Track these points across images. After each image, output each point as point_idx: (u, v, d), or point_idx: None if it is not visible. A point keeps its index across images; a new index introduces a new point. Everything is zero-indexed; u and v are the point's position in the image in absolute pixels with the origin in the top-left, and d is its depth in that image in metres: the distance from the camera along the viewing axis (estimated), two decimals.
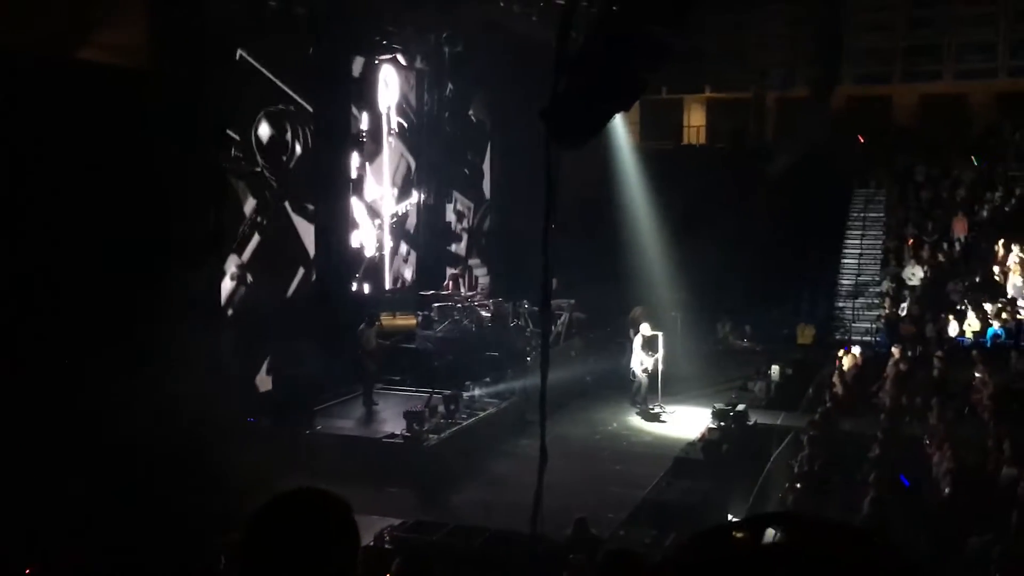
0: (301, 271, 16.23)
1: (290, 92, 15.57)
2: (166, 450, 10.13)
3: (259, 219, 15.14)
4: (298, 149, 15.86)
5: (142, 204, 11.61)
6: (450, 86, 20.56)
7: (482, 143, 22.81)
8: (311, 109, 16.03)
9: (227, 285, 14.42)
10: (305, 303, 15.93)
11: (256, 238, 15.09)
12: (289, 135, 15.65)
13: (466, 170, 22.36)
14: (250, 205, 14.97)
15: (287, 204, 15.84)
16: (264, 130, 15.14)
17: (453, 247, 21.71)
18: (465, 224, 22.67)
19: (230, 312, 14.51)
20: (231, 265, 14.57)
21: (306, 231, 16.34)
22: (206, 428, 10.95)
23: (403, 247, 20.20)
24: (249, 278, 14.87)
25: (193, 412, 10.66)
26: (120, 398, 9.85)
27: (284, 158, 15.65)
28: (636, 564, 2.56)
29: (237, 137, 14.50)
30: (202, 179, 12.74)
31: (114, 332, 10.86)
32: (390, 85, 19.29)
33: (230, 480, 9.78)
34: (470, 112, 21.94)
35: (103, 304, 10.98)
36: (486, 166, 23.30)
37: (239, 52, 14.22)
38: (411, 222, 20.44)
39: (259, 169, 15.05)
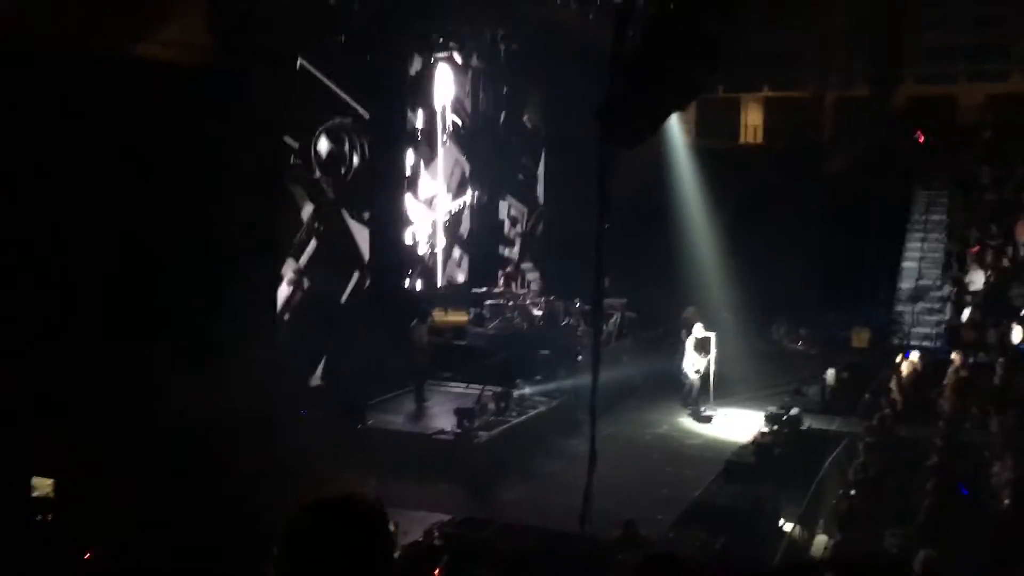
0: (356, 274, 16.34)
1: (348, 99, 15.63)
2: (218, 446, 10.31)
3: (316, 225, 15.29)
4: (355, 160, 15.94)
5: (198, 201, 11.82)
6: (505, 87, 20.60)
7: (537, 148, 22.82)
8: (368, 116, 16.07)
9: (284, 290, 14.57)
10: (360, 305, 16.07)
11: (313, 243, 15.24)
12: (347, 147, 15.75)
13: (520, 175, 22.42)
14: (307, 210, 15.12)
15: (344, 211, 15.97)
16: (323, 145, 15.29)
17: (505, 251, 21.72)
18: (519, 229, 22.70)
19: (287, 316, 14.64)
20: (288, 270, 14.71)
21: (361, 235, 16.43)
22: (260, 423, 11.13)
23: (456, 247, 20.30)
24: (306, 283, 15.02)
25: (248, 408, 10.82)
26: (175, 395, 10.03)
27: (343, 170, 15.77)
28: (676, 569, 2.52)
29: (296, 145, 14.64)
30: (258, 179, 12.89)
31: (172, 328, 11.07)
32: (446, 84, 19.38)
33: (282, 474, 9.93)
34: (524, 118, 21.98)
35: (161, 299, 11.22)
36: (540, 171, 23.30)
37: (299, 61, 14.36)
38: (464, 222, 20.52)
39: (317, 178, 15.22)
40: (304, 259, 15.11)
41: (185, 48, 11.92)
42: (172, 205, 11.42)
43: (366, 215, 16.40)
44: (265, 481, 10.06)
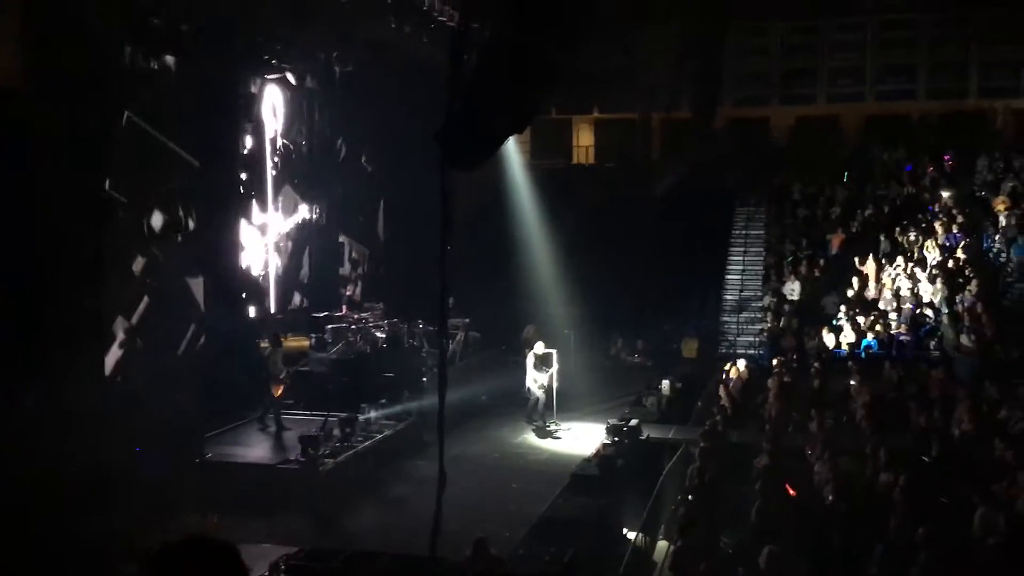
0: (193, 326, 15.27)
1: (178, 150, 14.45)
2: (50, 479, 9.71)
3: (148, 281, 14.21)
4: (191, 224, 14.89)
5: (22, 224, 11.08)
6: (341, 109, 20.34)
7: (375, 183, 22.51)
8: (198, 164, 14.92)
9: (115, 352, 13.44)
10: (197, 349, 15.10)
11: (145, 300, 14.17)
12: (181, 213, 14.71)
13: (360, 216, 22.20)
14: (139, 265, 14.05)
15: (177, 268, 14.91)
16: (157, 219, 14.24)
17: (347, 292, 21.32)
18: (360, 271, 22.38)
19: (118, 379, 13.54)
20: (119, 329, 13.61)
21: (196, 285, 15.41)
22: (93, 456, 10.52)
23: (293, 269, 19.84)
24: (139, 341, 13.94)
25: (79, 438, 10.23)
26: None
27: (178, 236, 14.70)
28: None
29: (124, 200, 13.48)
30: (80, 208, 12.15)
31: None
32: (278, 105, 18.99)
33: (119, 512, 9.44)
34: (362, 159, 21.79)
35: None
36: (380, 207, 23.02)
37: (126, 114, 13.36)
38: (301, 244, 20.10)
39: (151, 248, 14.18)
40: (136, 317, 13.95)
41: None
42: None
43: (198, 271, 15.35)
44: (101, 518, 9.52)
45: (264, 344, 16.46)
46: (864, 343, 18.56)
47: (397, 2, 18.24)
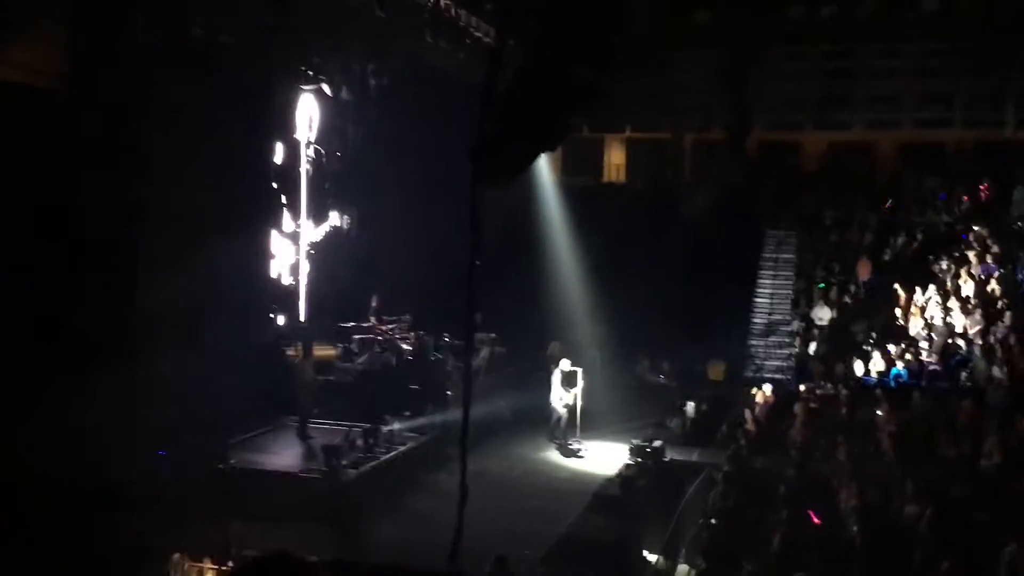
0: (221, 336, 15.38)
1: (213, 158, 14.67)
2: (74, 483, 9.81)
3: (180, 288, 14.35)
4: (225, 232, 15.08)
5: (50, 225, 11.25)
6: (376, 121, 20.50)
7: (405, 203, 22.61)
8: (232, 173, 15.13)
9: (145, 359, 13.60)
10: (223, 367, 15.30)
11: (176, 307, 14.25)
12: (215, 221, 14.90)
13: (390, 229, 22.23)
14: (172, 272, 14.21)
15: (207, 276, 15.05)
16: (190, 227, 14.41)
17: (375, 303, 21.41)
18: (388, 282, 22.39)
19: (147, 385, 13.71)
20: (150, 336, 13.77)
21: (227, 296, 15.47)
22: (116, 461, 10.63)
23: (322, 279, 19.95)
24: (168, 349, 14.06)
25: (103, 443, 10.34)
26: (29, 429, 9.50)
27: (211, 244, 14.87)
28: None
29: (157, 213, 13.74)
30: (115, 213, 12.34)
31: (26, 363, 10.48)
32: (313, 115, 19.17)
33: (141, 516, 9.51)
34: (395, 172, 21.87)
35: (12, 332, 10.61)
36: (409, 223, 23.05)
37: (164, 121, 13.57)
38: (331, 254, 20.22)
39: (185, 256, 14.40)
40: (166, 325, 14.09)
41: (40, 74, 11.38)
42: (24, 229, 10.83)
43: (229, 280, 15.56)
44: (123, 524, 9.61)
45: (292, 353, 16.56)
46: (894, 372, 18.34)
47: (434, 18, 18.39)
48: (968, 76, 26.95)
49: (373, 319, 19.77)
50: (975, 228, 22.78)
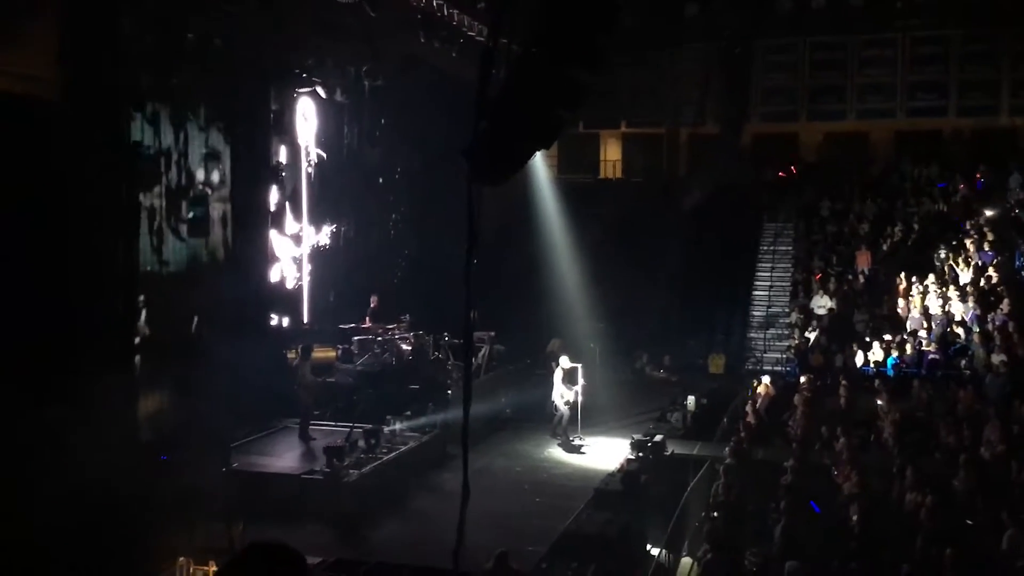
0: (223, 338, 15.37)
1: (209, 162, 14.63)
2: (77, 487, 9.83)
3: (178, 292, 14.35)
4: (223, 235, 15.13)
5: (46, 235, 11.25)
6: (371, 122, 20.50)
7: (402, 203, 22.64)
8: (229, 177, 15.17)
9: (145, 362, 13.67)
10: (224, 368, 15.33)
11: (176, 310, 14.27)
12: (213, 224, 14.95)
13: (388, 229, 22.28)
14: (169, 276, 14.21)
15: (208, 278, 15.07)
16: (188, 231, 14.42)
17: (374, 303, 21.43)
18: (387, 282, 22.41)
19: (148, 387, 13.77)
20: (150, 339, 13.78)
21: (228, 298, 15.47)
22: (118, 465, 10.64)
23: (321, 280, 19.98)
24: (169, 351, 14.07)
25: (104, 448, 10.35)
26: (30, 431, 9.53)
27: (205, 238, 14.91)
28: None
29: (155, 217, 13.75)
30: (112, 219, 12.33)
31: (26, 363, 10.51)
32: (309, 118, 19.20)
33: (145, 518, 9.54)
34: (391, 172, 21.92)
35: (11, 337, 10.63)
36: (407, 223, 23.10)
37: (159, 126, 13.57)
38: (330, 256, 20.25)
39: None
40: (166, 327, 14.06)
41: (30, 80, 11.37)
42: (18, 237, 10.84)
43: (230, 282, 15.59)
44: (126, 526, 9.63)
45: (292, 355, 16.58)
46: (893, 361, 18.38)
47: (427, 18, 18.39)
48: (961, 64, 26.98)
49: (372, 320, 19.78)
50: (973, 215, 22.82)
